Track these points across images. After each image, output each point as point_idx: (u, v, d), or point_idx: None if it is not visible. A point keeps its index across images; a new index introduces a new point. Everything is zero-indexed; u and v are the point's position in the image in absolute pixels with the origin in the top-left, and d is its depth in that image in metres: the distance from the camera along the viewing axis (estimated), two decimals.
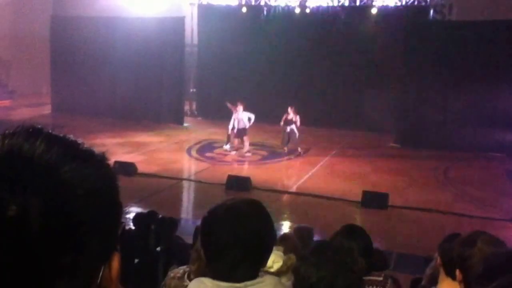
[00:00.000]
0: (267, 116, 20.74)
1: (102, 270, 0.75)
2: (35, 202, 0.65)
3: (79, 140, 0.76)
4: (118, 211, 0.78)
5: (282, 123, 16.07)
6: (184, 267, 3.35)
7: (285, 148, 16.27)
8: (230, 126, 16.10)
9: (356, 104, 20.38)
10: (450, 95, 17.74)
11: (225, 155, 16.51)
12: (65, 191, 0.68)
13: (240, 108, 15.97)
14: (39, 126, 0.74)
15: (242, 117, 15.96)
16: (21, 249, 0.64)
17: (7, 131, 0.72)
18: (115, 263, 0.77)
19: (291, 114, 15.97)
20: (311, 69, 20.93)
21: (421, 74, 17.93)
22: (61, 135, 0.74)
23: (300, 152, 16.27)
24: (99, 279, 0.74)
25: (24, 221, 0.64)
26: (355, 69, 20.26)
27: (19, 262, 0.64)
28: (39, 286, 0.66)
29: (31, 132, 0.71)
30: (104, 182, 0.74)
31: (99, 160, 0.76)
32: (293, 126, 16.00)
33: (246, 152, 16.13)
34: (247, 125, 16.06)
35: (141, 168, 14.09)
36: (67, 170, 0.69)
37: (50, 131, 0.74)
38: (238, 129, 16.03)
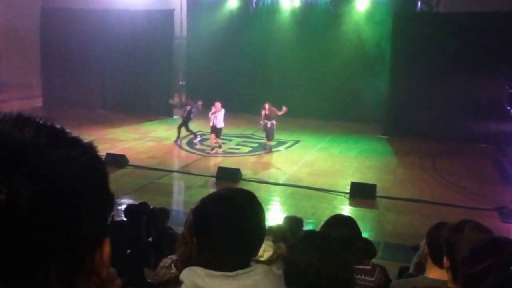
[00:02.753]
0: (257, 108, 20.81)
1: (93, 254, 0.75)
2: (25, 185, 0.65)
3: (67, 129, 0.76)
4: (107, 197, 0.78)
5: (262, 120, 15.83)
6: (173, 256, 3.43)
7: (271, 143, 16.16)
8: (211, 123, 15.58)
9: (344, 96, 20.49)
10: (437, 86, 17.89)
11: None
12: (55, 175, 0.68)
13: (218, 105, 15.50)
14: (27, 114, 0.74)
15: (220, 115, 15.48)
16: (12, 233, 0.64)
17: None
18: (106, 248, 0.77)
19: (267, 109, 15.78)
20: (299, 61, 20.99)
21: (408, 65, 18.04)
22: (49, 122, 0.74)
23: (270, 146, 16.13)
24: (91, 263, 0.75)
25: (14, 204, 0.64)
26: (344, 61, 20.35)
27: (11, 246, 0.64)
28: (31, 269, 0.66)
29: (19, 118, 0.72)
30: (92, 167, 0.75)
31: (87, 146, 0.76)
32: (274, 121, 15.77)
33: (217, 149, 15.80)
34: (222, 124, 15.61)
35: (132, 160, 14.11)
36: (55, 154, 0.70)
37: (37, 119, 0.74)
38: (214, 127, 15.54)
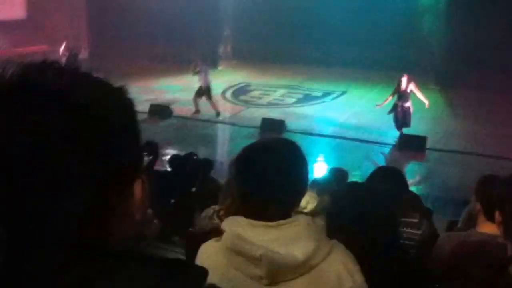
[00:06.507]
0: (300, 57, 20.32)
1: (126, 194, 0.77)
2: (56, 116, 0.69)
3: (94, 74, 0.79)
4: (136, 139, 0.79)
5: (391, 97, 12.41)
6: (215, 206, 3.43)
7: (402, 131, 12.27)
8: None
9: (396, 43, 19.68)
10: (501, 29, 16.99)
11: (260, 98, 16.47)
12: (79, 114, 0.70)
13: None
14: (50, 60, 0.76)
15: None
16: (45, 158, 0.68)
17: (10, 65, 0.73)
18: (138, 188, 0.80)
19: (404, 85, 12.16)
20: (346, 3, 19.97)
21: (470, 7, 17.20)
22: (73, 67, 0.77)
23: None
24: (124, 203, 0.77)
25: (48, 132, 0.69)
26: (396, 3, 19.45)
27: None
28: (63, 194, 0.69)
29: (41, 64, 0.74)
30: (119, 107, 0.77)
31: (115, 88, 0.79)
32: (409, 103, 12.18)
33: None
34: None
35: (176, 110, 14.22)
36: (78, 95, 0.72)
37: (61, 64, 0.76)
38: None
